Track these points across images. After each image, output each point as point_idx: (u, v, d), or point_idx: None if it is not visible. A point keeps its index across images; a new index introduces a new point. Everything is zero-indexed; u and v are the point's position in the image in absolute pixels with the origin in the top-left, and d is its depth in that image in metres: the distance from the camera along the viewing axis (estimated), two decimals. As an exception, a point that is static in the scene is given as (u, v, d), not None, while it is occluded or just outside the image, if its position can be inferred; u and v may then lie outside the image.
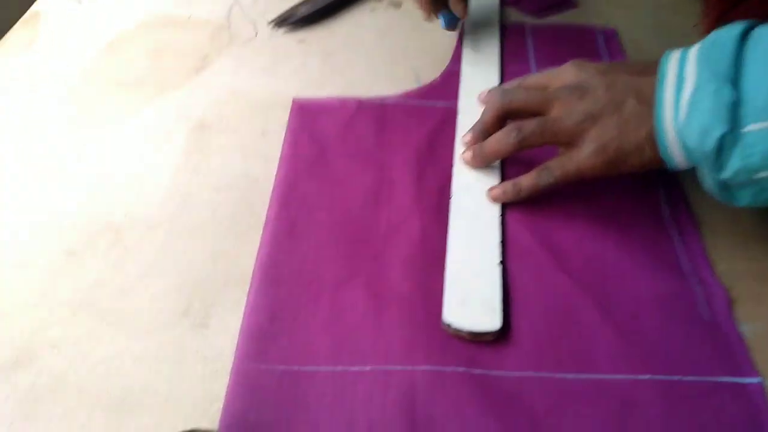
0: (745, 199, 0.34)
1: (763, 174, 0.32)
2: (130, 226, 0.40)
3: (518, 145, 0.40)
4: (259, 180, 0.43)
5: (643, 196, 0.42)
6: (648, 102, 0.36)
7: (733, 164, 0.32)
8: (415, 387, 0.33)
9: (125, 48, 0.55)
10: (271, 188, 0.43)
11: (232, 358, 0.34)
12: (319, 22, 0.58)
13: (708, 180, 0.35)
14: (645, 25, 0.57)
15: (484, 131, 0.43)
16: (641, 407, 0.32)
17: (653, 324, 0.36)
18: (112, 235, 0.40)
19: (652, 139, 0.36)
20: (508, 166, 0.44)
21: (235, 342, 0.35)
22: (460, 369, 0.34)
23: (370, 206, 0.42)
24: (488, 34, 0.55)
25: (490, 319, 0.35)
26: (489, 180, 0.43)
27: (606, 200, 0.42)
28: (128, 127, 0.47)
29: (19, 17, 0.58)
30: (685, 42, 0.37)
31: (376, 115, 0.48)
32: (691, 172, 0.37)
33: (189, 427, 0.30)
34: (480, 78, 0.50)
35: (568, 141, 0.39)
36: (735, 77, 0.32)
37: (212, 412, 0.32)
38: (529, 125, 0.39)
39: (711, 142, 0.32)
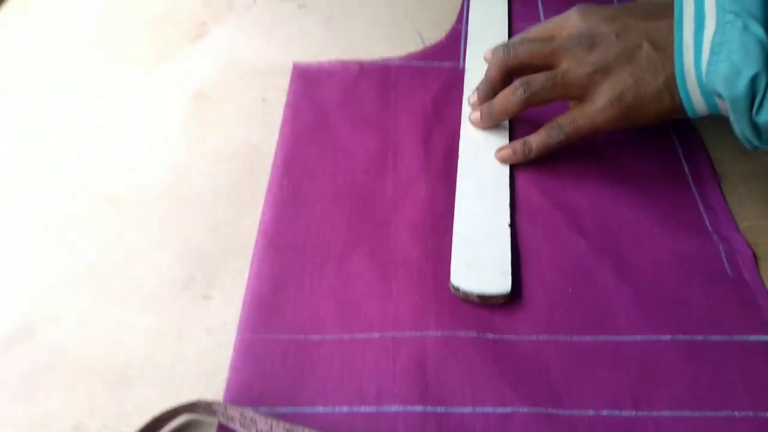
0: None
1: None
2: (131, 197, 0.40)
3: (526, 102, 0.38)
4: (260, 148, 0.42)
5: (659, 151, 0.41)
6: (663, 47, 0.35)
7: None
8: (425, 353, 0.32)
9: (121, 17, 0.53)
10: (272, 156, 0.41)
11: (236, 329, 0.33)
12: (319, -15, 0.56)
13: (739, 125, 0.33)
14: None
15: (489, 90, 0.41)
16: (663, 368, 0.31)
17: (674, 283, 0.34)
18: (112, 208, 0.39)
19: (671, 86, 0.35)
20: (517, 125, 0.42)
21: (239, 313, 0.34)
22: (472, 334, 0.32)
23: (374, 172, 0.40)
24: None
25: (499, 282, 0.33)
26: (497, 140, 0.41)
27: (620, 156, 0.40)
28: (126, 98, 0.46)
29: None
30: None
31: (379, 77, 0.46)
32: (711, 124, 0.35)
33: (193, 399, 0.29)
34: (488, 36, 0.48)
35: (580, 94, 0.37)
36: (763, 14, 0.30)
37: (216, 383, 0.31)
38: (537, 80, 0.38)
39: (742, 84, 0.31)
